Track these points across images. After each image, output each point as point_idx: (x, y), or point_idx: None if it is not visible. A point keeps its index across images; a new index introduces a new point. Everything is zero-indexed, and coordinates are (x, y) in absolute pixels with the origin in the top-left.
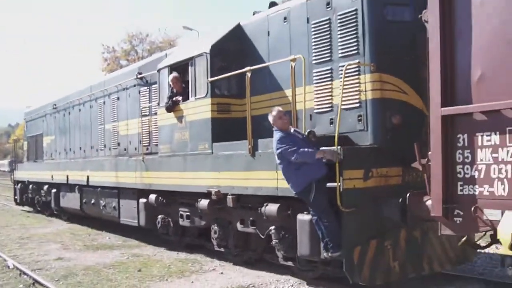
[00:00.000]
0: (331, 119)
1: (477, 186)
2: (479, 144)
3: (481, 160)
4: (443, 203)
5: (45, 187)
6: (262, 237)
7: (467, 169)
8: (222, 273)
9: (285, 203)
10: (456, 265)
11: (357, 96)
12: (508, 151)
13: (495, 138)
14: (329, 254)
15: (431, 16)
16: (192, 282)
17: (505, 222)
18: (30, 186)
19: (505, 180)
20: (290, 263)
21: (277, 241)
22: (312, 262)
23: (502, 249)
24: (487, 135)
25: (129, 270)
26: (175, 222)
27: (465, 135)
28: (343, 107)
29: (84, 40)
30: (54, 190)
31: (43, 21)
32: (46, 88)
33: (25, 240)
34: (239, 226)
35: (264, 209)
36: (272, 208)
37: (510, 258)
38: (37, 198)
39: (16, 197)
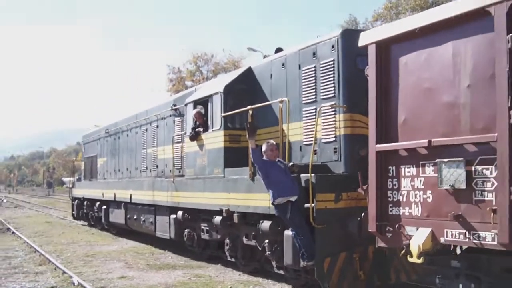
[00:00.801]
0: (315, 150)
1: (401, 208)
2: (403, 174)
3: (404, 187)
4: (377, 221)
5: (97, 203)
6: (260, 249)
7: (395, 194)
8: None
9: (276, 220)
10: (423, 277)
11: (333, 132)
12: (421, 180)
13: (413, 170)
14: (305, 263)
15: (370, 72)
16: None
17: (416, 236)
18: (85, 202)
19: (419, 203)
20: (281, 272)
21: (269, 252)
22: (297, 271)
23: (413, 259)
24: (407, 167)
25: None
26: (198, 236)
27: (394, 167)
28: (323, 140)
29: (150, 61)
30: (104, 207)
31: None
32: (114, 108)
33: (90, 257)
34: (244, 240)
35: (260, 225)
36: (265, 224)
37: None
38: (90, 214)
39: (73, 212)
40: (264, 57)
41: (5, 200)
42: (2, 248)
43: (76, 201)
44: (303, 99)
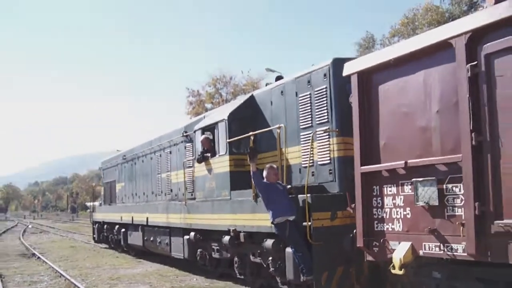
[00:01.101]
0: (313, 172)
1: (385, 224)
2: (385, 193)
3: (387, 205)
4: (364, 236)
5: (116, 227)
6: (265, 265)
7: (379, 211)
8: None
9: (278, 239)
10: None
11: (328, 155)
12: (401, 198)
13: (394, 189)
14: (304, 278)
15: (354, 99)
16: None
17: (398, 250)
18: (105, 226)
19: (400, 219)
20: (285, 287)
21: (273, 269)
22: (299, 285)
23: (395, 270)
24: (389, 187)
25: None
26: (210, 255)
27: (378, 186)
28: (319, 162)
29: (170, 84)
30: (123, 230)
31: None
32: (135, 131)
33: (115, 280)
34: (251, 258)
35: (264, 243)
36: (269, 243)
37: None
38: (110, 237)
39: (94, 235)
40: (266, 85)
41: (30, 226)
42: (28, 274)
43: (97, 225)
44: (300, 124)
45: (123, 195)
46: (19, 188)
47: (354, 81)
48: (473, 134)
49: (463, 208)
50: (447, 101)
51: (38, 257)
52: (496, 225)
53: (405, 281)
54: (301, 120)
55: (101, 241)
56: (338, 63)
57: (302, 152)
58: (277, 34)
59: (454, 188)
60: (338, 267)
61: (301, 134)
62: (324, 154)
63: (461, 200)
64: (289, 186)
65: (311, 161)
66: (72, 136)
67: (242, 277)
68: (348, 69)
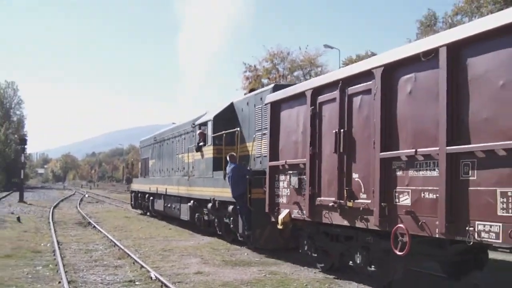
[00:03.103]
0: (260, 160)
1: (279, 198)
2: (280, 179)
3: (280, 187)
4: (269, 205)
5: (146, 195)
6: (230, 224)
7: (277, 191)
8: None
9: (235, 206)
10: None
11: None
12: (285, 183)
13: (283, 177)
14: (246, 232)
15: (270, 121)
16: None
17: (281, 214)
18: (139, 195)
19: (284, 196)
20: (242, 239)
21: (233, 225)
22: (248, 236)
23: (279, 226)
24: (281, 176)
25: None
26: (203, 217)
27: (277, 175)
28: (264, 155)
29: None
30: (151, 198)
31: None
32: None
33: (167, 252)
34: (225, 218)
35: (228, 208)
36: (230, 208)
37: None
38: (143, 203)
39: (131, 202)
40: (244, 94)
41: (86, 196)
42: (84, 242)
43: (133, 193)
44: (256, 128)
45: (154, 170)
46: (77, 158)
47: (269, 108)
48: (310, 147)
49: (306, 190)
50: (304, 127)
51: (94, 226)
52: (317, 200)
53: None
54: (256, 125)
55: (136, 207)
56: (278, 88)
57: (255, 147)
58: (337, 9)
59: (304, 178)
60: (267, 226)
61: (255, 134)
62: (264, 149)
63: (305, 185)
64: (248, 168)
65: (259, 154)
66: (129, 109)
67: (220, 233)
68: (267, 100)
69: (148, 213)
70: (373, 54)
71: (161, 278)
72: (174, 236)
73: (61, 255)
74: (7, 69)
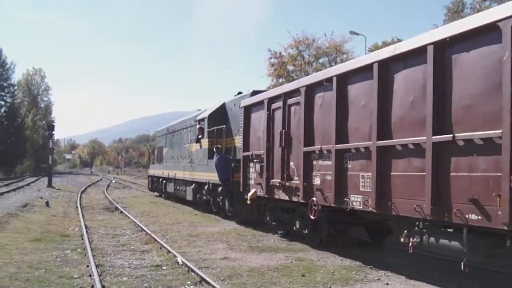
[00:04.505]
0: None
1: (250, 180)
2: (250, 166)
3: (251, 172)
4: (242, 186)
5: (160, 179)
6: (220, 202)
7: (249, 175)
8: (387, 283)
9: (223, 188)
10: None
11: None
12: (254, 169)
13: (251, 165)
14: (230, 208)
15: (243, 121)
16: None
17: (250, 192)
18: (154, 179)
19: (253, 179)
20: (229, 214)
21: (221, 203)
22: (234, 212)
23: (248, 201)
24: (251, 163)
25: (292, 275)
26: (203, 198)
27: (249, 163)
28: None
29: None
30: (164, 181)
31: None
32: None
33: (194, 237)
34: (217, 198)
35: (218, 190)
36: (219, 189)
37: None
38: (158, 186)
39: (149, 186)
40: (237, 93)
41: (113, 181)
42: (111, 227)
43: (150, 178)
44: (240, 124)
45: (166, 157)
46: (104, 144)
47: (243, 110)
48: (267, 142)
49: (264, 174)
50: (263, 126)
51: (121, 211)
52: (271, 181)
53: (266, 208)
54: (240, 121)
55: (153, 190)
56: (255, 93)
57: (238, 140)
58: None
59: (263, 165)
60: (246, 203)
61: (239, 129)
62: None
63: (264, 170)
64: (230, 157)
65: (241, 145)
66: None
67: (215, 210)
68: (242, 104)
69: (162, 195)
70: (399, 41)
71: (188, 263)
72: (201, 221)
73: (89, 239)
74: (35, 56)
